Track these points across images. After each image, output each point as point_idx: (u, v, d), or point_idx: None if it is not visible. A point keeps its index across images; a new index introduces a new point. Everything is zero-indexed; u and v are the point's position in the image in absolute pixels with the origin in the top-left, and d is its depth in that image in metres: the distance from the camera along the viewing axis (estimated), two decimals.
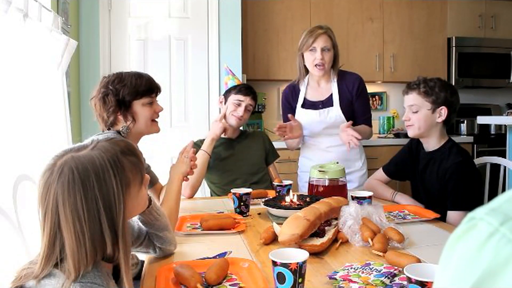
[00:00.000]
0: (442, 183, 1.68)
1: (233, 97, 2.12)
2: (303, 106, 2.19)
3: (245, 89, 2.14)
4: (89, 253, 0.78)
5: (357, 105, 2.15)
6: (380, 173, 1.98)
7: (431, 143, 1.77)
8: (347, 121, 2.04)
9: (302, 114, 2.18)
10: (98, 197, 0.80)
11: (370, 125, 2.20)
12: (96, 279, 0.77)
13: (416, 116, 1.73)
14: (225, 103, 2.15)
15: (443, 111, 1.71)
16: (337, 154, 2.12)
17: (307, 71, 2.19)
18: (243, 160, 2.19)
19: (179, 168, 1.53)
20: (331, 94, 2.14)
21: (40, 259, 0.79)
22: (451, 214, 1.62)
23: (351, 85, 2.13)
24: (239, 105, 2.10)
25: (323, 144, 2.19)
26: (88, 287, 0.76)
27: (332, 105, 2.13)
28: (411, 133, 1.78)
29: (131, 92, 1.53)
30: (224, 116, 2.12)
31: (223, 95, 2.20)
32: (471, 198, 1.63)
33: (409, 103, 1.75)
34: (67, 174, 0.79)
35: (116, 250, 0.82)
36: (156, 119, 1.64)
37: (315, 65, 2.08)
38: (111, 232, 0.81)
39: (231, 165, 2.17)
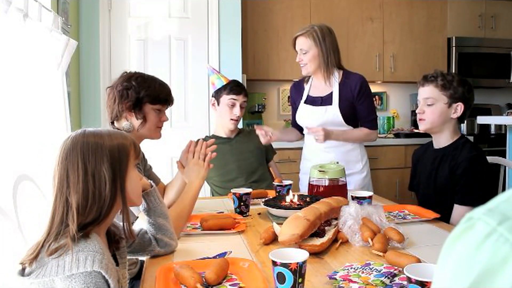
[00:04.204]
0: (454, 177, 1.64)
1: (226, 98, 2.09)
2: (305, 102, 2.21)
3: (236, 87, 2.12)
4: (93, 193, 0.89)
5: (359, 107, 2.12)
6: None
7: (443, 139, 1.73)
8: (345, 121, 2.09)
9: (303, 109, 2.20)
10: (104, 145, 0.93)
11: (374, 128, 2.17)
12: (96, 247, 0.85)
13: (430, 110, 1.68)
14: (218, 105, 2.14)
15: (459, 108, 1.66)
16: (336, 155, 2.11)
17: None
18: (242, 159, 2.19)
19: (198, 173, 1.49)
20: (332, 92, 2.14)
21: (48, 221, 0.89)
22: (458, 209, 1.59)
23: (354, 85, 2.10)
24: (233, 105, 2.09)
25: (322, 144, 2.16)
26: (91, 255, 0.83)
27: (331, 103, 2.12)
28: (422, 127, 1.73)
29: (151, 95, 1.56)
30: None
31: (213, 96, 2.17)
32: (480, 194, 1.60)
33: (424, 95, 1.69)
34: (76, 136, 0.93)
35: (115, 198, 0.93)
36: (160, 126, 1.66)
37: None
38: (111, 171, 0.92)
39: (231, 164, 2.17)
